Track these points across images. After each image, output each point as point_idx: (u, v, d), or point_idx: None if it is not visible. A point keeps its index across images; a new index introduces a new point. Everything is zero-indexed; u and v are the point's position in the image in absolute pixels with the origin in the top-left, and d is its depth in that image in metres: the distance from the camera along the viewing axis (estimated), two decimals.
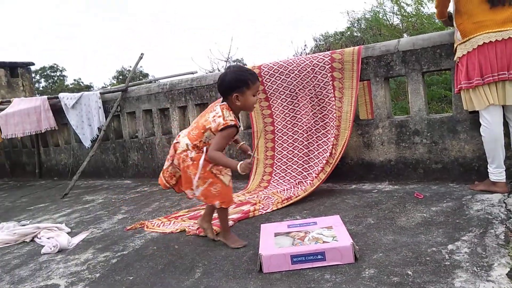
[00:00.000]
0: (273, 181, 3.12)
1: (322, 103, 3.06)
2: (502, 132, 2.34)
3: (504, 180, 2.35)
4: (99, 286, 1.82)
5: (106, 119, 4.63)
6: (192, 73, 5.11)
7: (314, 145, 3.06)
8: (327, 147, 2.93)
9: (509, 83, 2.23)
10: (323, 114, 3.06)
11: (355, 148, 3.12)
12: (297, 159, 3.10)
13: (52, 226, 2.79)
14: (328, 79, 3.01)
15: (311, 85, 3.09)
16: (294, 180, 3.00)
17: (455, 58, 2.45)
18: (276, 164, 3.19)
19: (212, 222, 2.30)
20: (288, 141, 3.20)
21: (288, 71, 3.20)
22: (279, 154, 3.21)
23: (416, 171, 2.89)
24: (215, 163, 1.94)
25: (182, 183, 2.04)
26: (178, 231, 2.42)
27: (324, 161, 2.85)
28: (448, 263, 1.57)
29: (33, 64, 11.63)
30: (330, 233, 1.83)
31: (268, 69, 3.29)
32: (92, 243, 2.44)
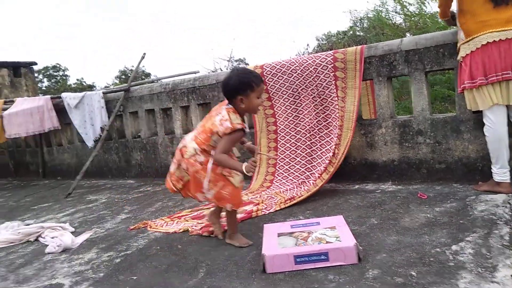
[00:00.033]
0: (276, 181, 3.12)
1: (325, 102, 3.05)
2: (506, 132, 2.32)
3: (509, 181, 2.34)
4: (103, 285, 1.83)
5: (108, 119, 4.65)
6: (195, 72, 5.12)
7: (317, 145, 3.06)
8: (330, 147, 2.92)
9: None
10: (325, 114, 3.05)
11: (358, 148, 3.11)
12: (300, 159, 3.10)
13: (56, 225, 2.81)
14: (330, 78, 3.00)
15: (314, 85, 3.09)
16: (297, 180, 3.00)
17: (458, 58, 2.44)
18: (279, 164, 3.19)
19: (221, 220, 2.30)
20: (290, 141, 3.20)
21: (291, 71, 3.19)
22: (281, 154, 3.21)
23: (420, 171, 2.88)
24: (221, 166, 1.95)
25: (190, 187, 2.04)
26: (181, 231, 2.42)
27: (327, 161, 2.85)
28: (452, 264, 1.56)
29: (35, 63, 11.68)
30: (334, 234, 1.83)
31: (270, 68, 3.29)
32: (96, 242, 2.45)
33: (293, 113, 3.23)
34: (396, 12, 8.39)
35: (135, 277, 1.86)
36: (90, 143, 4.86)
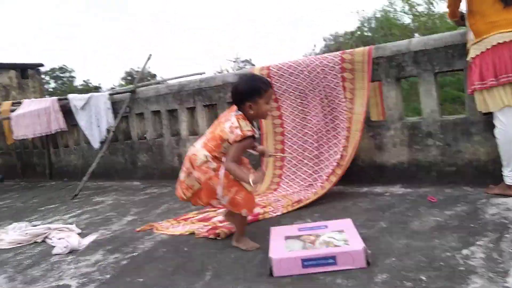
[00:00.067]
0: (282, 184, 3.09)
1: (333, 104, 3.03)
2: None
3: None
4: (109, 287, 1.83)
5: (115, 120, 4.66)
6: (200, 74, 5.12)
7: (324, 147, 3.03)
8: (337, 149, 2.90)
9: None
10: (333, 115, 3.03)
11: (366, 150, 3.08)
12: (307, 161, 3.07)
13: (62, 227, 2.81)
14: (338, 79, 2.98)
15: (321, 86, 3.07)
16: (304, 183, 2.98)
17: (468, 59, 2.41)
18: (286, 166, 3.17)
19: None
20: (298, 143, 3.18)
21: (298, 72, 3.17)
22: (288, 156, 3.19)
23: (429, 174, 2.84)
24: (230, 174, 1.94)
25: (201, 195, 2.01)
26: (187, 233, 2.41)
27: (335, 163, 2.82)
28: (463, 269, 1.54)
29: (42, 65, 11.79)
30: (342, 237, 1.81)
31: (277, 69, 3.28)
32: (102, 244, 2.45)
33: (300, 114, 3.21)
34: (404, 12, 8.36)
35: (141, 279, 1.86)
36: (96, 144, 4.88)
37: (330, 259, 1.67)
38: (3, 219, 3.52)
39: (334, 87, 3.00)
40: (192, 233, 2.39)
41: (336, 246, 1.73)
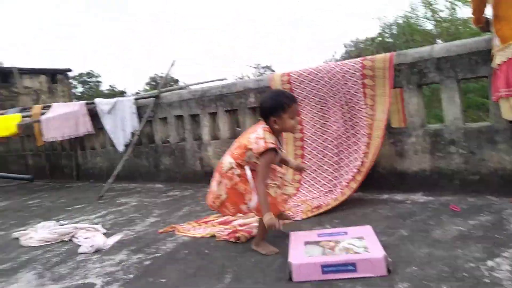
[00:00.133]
0: (302, 189, 3.10)
1: (353, 110, 3.03)
2: None
3: None
4: (133, 287, 1.88)
5: (139, 124, 4.79)
6: (222, 79, 5.21)
7: (344, 153, 3.03)
8: (358, 156, 2.89)
9: None
10: (353, 121, 3.02)
11: (387, 157, 3.05)
12: (327, 167, 3.07)
13: (89, 226, 2.91)
14: (359, 86, 2.98)
15: (342, 92, 3.07)
16: (324, 189, 2.98)
17: (492, 65, 2.36)
18: (305, 171, 3.17)
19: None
20: (317, 148, 3.19)
21: (318, 78, 3.19)
22: (308, 161, 3.20)
23: (452, 182, 2.79)
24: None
25: (228, 204, 2.08)
26: (208, 236, 2.46)
27: (355, 170, 2.81)
28: (488, 281, 1.50)
29: (71, 70, 12.22)
30: (362, 244, 1.81)
31: (297, 76, 3.30)
32: (126, 244, 2.52)
33: (320, 120, 3.22)
34: (426, 18, 8.21)
35: (164, 280, 1.91)
36: (120, 147, 5.02)
37: (350, 266, 1.67)
38: (33, 217, 3.67)
39: (355, 93, 3.00)
40: (213, 236, 2.44)
41: (356, 253, 1.73)
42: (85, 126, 5.24)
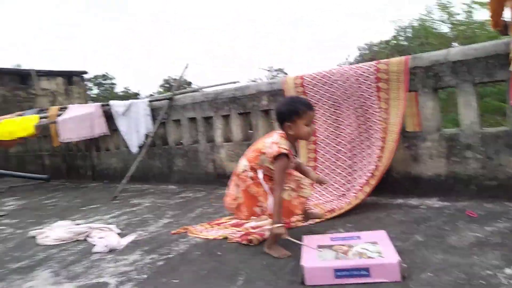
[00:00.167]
0: (314, 192, 3.09)
1: (367, 114, 3.01)
2: None
3: None
4: (146, 287, 1.90)
5: (153, 126, 4.85)
6: (235, 82, 5.24)
7: (358, 156, 3.01)
8: (372, 159, 2.86)
9: None
10: (367, 125, 3.00)
11: (401, 161, 3.02)
12: (340, 170, 3.06)
13: (103, 226, 2.95)
14: (373, 89, 2.96)
15: (356, 96, 3.06)
16: (337, 192, 2.96)
17: (510, 68, 2.32)
18: (318, 175, 3.16)
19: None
20: (331, 152, 3.17)
21: (332, 81, 3.18)
22: (321, 165, 3.19)
23: (468, 187, 2.74)
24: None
25: (243, 208, 2.12)
26: (220, 237, 2.47)
27: (369, 174, 2.79)
28: None
29: (86, 72, 12.47)
30: (375, 249, 1.79)
31: (311, 79, 3.30)
32: (140, 245, 2.55)
33: (333, 124, 3.21)
34: (442, 21, 8.10)
35: (176, 281, 1.92)
36: (134, 149, 5.08)
37: (363, 271, 1.65)
38: (50, 216, 3.75)
39: (369, 97, 2.98)
40: (225, 238, 2.44)
41: (369, 257, 1.72)
42: (100, 128, 5.32)
